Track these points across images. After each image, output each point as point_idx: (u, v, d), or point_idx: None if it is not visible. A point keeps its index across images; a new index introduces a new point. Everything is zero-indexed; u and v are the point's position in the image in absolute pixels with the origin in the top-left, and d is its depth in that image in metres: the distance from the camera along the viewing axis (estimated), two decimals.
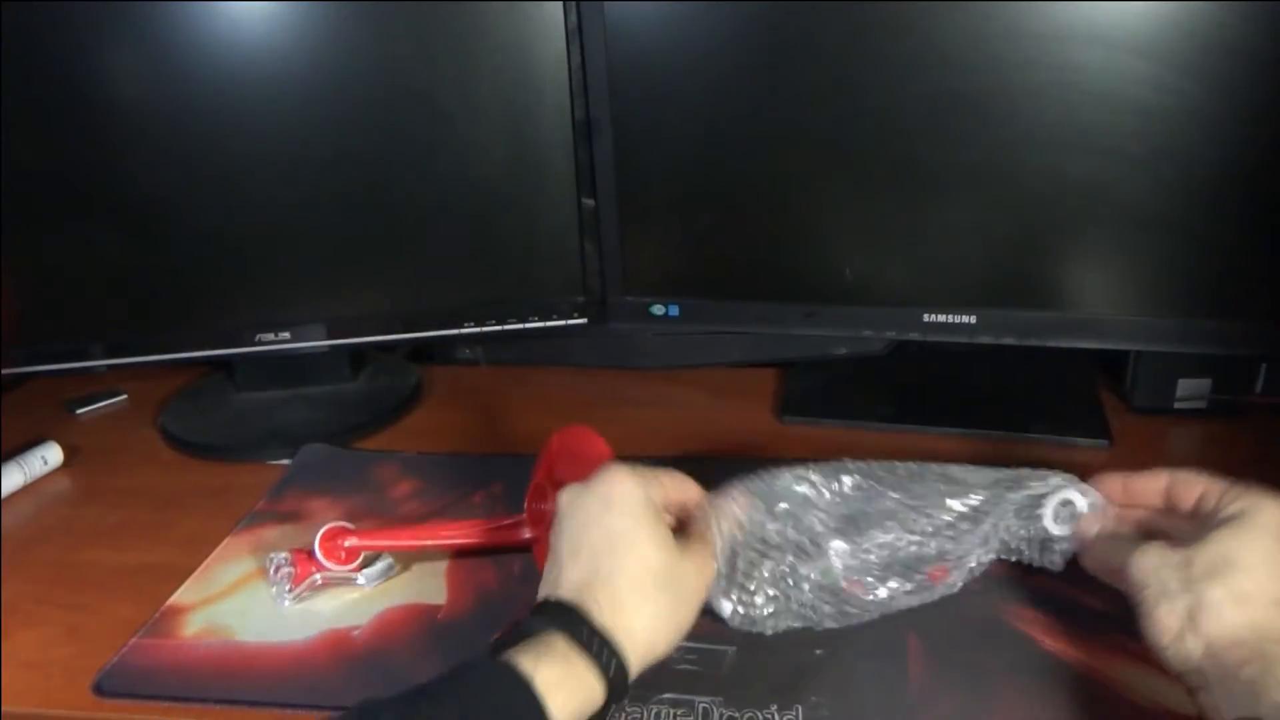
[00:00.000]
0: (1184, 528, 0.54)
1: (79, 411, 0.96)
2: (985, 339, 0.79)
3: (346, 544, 0.64)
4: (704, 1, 0.75)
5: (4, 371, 0.86)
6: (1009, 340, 0.79)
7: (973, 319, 0.79)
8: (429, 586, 0.66)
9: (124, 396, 0.98)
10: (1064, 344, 0.78)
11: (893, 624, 0.59)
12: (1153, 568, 0.51)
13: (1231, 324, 0.75)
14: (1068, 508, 0.59)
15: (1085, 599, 0.61)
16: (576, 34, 0.79)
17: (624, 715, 0.53)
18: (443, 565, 0.68)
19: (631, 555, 0.51)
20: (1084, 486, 0.59)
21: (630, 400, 0.94)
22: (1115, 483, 0.58)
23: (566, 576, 0.51)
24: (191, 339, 0.88)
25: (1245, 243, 0.72)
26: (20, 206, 0.81)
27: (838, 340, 0.91)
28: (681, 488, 0.59)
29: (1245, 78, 0.68)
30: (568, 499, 0.55)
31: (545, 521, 0.63)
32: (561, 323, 0.90)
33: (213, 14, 0.77)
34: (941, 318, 0.79)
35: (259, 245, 0.86)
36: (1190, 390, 0.82)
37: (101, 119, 0.80)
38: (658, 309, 0.88)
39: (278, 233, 0.85)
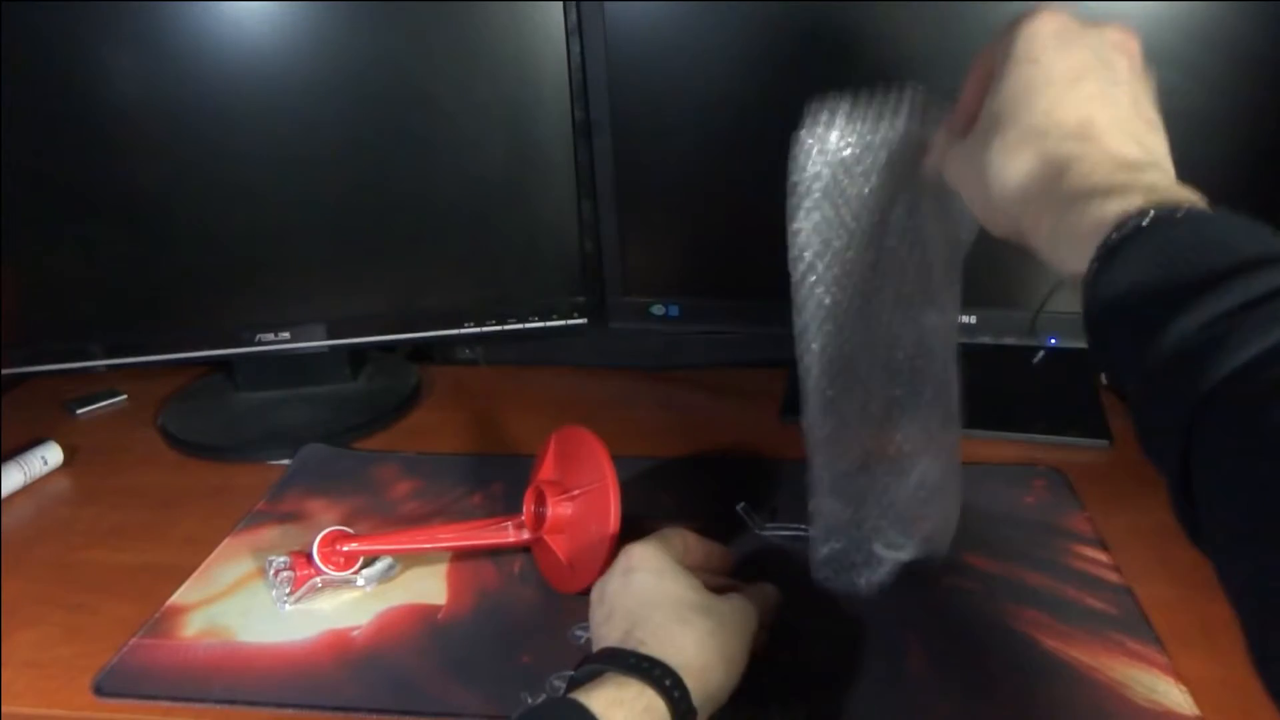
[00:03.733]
0: None
1: (79, 411, 0.96)
2: (985, 339, 0.79)
3: (345, 549, 0.64)
4: (704, 1, 0.75)
5: (4, 371, 0.86)
6: (1009, 340, 0.79)
7: (973, 319, 0.79)
8: (429, 586, 0.66)
9: (124, 396, 0.98)
10: (1064, 344, 0.78)
11: (893, 624, 0.59)
12: (953, 170, 0.46)
13: None
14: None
15: (1085, 599, 0.61)
16: (576, 34, 0.79)
17: None
18: (443, 565, 0.68)
19: (661, 595, 0.52)
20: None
21: (630, 400, 0.94)
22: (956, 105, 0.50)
23: (606, 639, 0.50)
24: (191, 339, 0.88)
25: None
26: (20, 207, 0.81)
27: None
28: (701, 545, 0.59)
29: (1245, 78, 0.68)
30: (595, 592, 0.55)
31: (544, 523, 0.63)
32: (561, 323, 0.90)
33: (213, 14, 0.77)
34: None
35: (259, 245, 0.86)
36: None
37: (101, 119, 0.80)
38: (658, 309, 0.88)
39: (278, 233, 0.85)
